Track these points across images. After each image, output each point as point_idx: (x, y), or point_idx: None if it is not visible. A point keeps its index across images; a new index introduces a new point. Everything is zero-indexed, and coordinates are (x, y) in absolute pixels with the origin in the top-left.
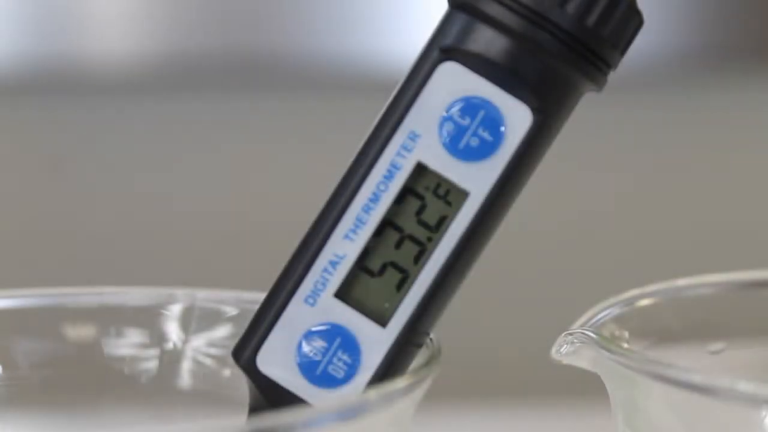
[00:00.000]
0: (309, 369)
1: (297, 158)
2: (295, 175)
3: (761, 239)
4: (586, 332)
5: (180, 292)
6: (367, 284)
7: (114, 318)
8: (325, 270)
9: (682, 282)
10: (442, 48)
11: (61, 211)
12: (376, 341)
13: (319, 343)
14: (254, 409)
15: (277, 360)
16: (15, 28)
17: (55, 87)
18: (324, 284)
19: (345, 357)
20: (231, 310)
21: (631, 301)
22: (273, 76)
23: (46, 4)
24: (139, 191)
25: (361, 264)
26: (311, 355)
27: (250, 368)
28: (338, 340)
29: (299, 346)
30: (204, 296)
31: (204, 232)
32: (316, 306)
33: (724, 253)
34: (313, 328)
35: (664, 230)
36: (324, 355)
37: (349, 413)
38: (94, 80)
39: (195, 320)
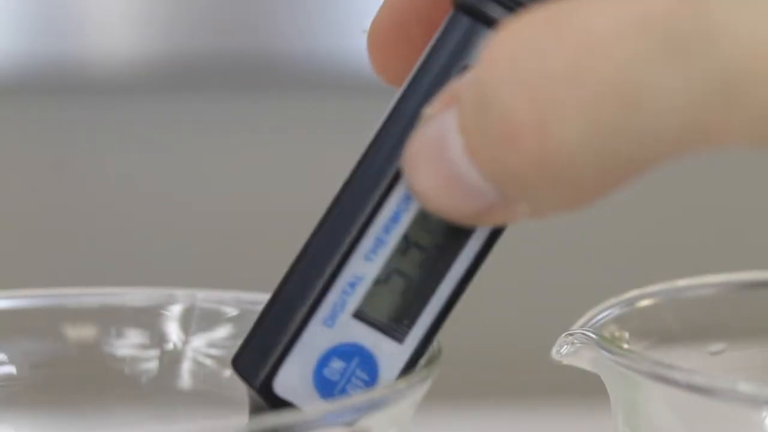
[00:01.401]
0: (327, 389)
1: (297, 158)
2: (295, 175)
3: (761, 239)
4: (587, 333)
5: (180, 292)
6: (385, 302)
7: (114, 318)
8: (344, 291)
9: (682, 282)
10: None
11: (62, 211)
12: (393, 357)
13: (338, 364)
14: (254, 412)
15: (294, 383)
16: (15, 28)
17: (55, 87)
18: (343, 306)
19: (363, 375)
20: (231, 311)
21: (631, 302)
22: (273, 76)
23: (46, 4)
24: (139, 191)
25: (379, 282)
26: (329, 375)
27: (266, 392)
28: (356, 360)
29: (317, 367)
30: (204, 297)
31: (204, 233)
32: (334, 327)
33: (724, 253)
34: (332, 349)
35: (664, 230)
36: (342, 375)
37: (350, 414)
38: (94, 80)
39: (195, 321)
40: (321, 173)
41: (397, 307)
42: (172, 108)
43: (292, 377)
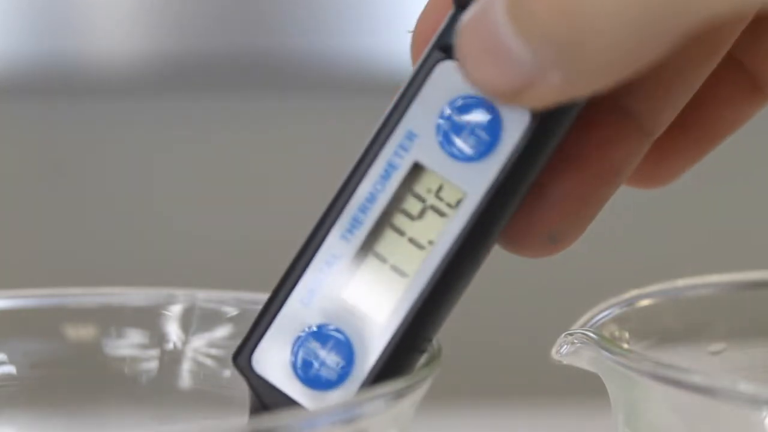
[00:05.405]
0: (303, 370)
1: (297, 158)
2: (295, 174)
3: (761, 239)
4: (587, 333)
5: (180, 292)
6: (361, 285)
7: (114, 318)
8: (321, 270)
9: (682, 282)
10: (441, 46)
11: (62, 212)
12: (369, 344)
13: (313, 345)
14: (254, 412)
15: (272, 361)
16: (15, 28)
17: (55, 87)
18: (320, 285)
19: (338, 359)
20: (231, 311)
21: (631, 302)
22: (273, 75)
23: (46, 5)
24: (139, 191)
25: (357, 264)
26: (305, 356)
27: (245, 369)
28: (332, 342)
29: (294, 347)
30: (204, 297)
31: (204, 233)
32: (311, 307)
33: (724, 253)
34: (308, 329)
35: (664, 230)
36: (318, 356)
37: (350, 414)
38: (94, 80)
39: (195, 321)
40: (321, 173)
41: (374, 291)
42: (172, 108)
43: (270, 355)
